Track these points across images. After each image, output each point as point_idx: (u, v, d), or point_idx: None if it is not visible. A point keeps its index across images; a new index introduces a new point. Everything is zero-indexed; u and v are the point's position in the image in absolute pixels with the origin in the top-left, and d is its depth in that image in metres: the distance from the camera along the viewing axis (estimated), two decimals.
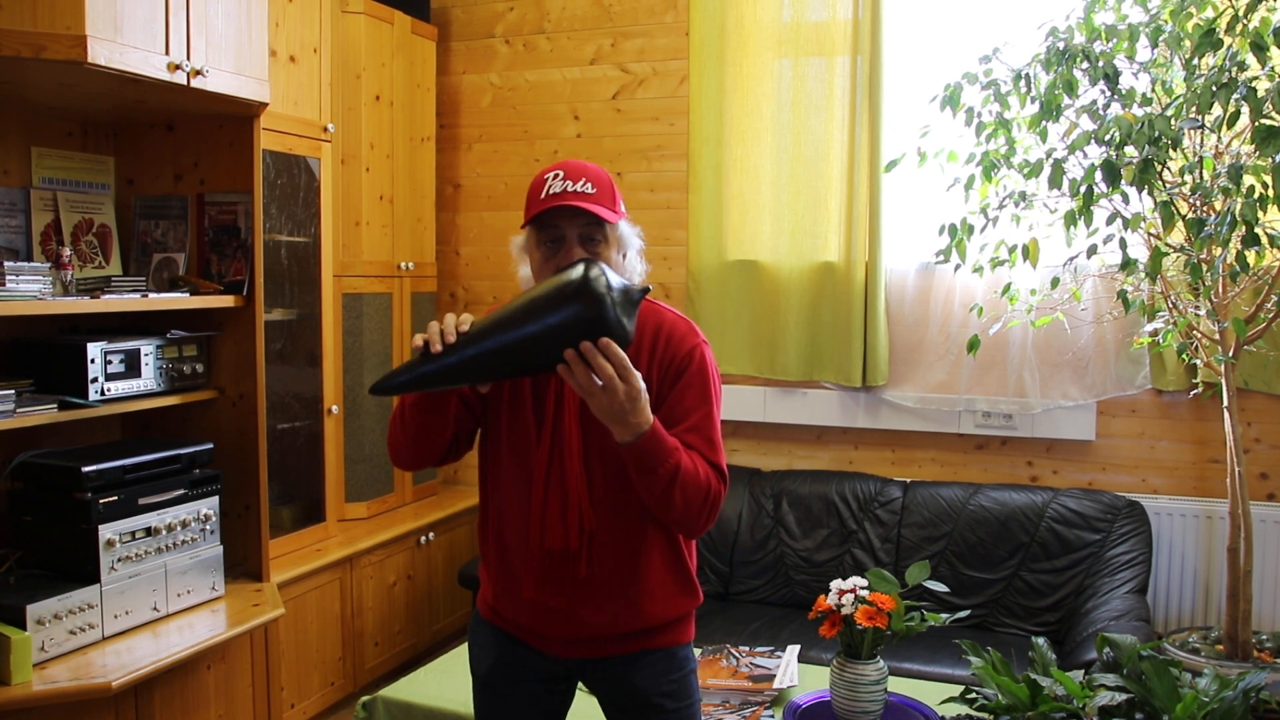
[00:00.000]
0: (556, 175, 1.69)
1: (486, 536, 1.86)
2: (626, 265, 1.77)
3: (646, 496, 1.67)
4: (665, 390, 1.73)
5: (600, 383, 1.53)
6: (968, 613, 2.96)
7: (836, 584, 2.48)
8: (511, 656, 1.86)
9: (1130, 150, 2.69)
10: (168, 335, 2.81)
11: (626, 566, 1.76)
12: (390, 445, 1.83)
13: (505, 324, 1.56)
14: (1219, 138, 2.82)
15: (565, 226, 1.69)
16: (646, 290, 1.63)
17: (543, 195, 1.69)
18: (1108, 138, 2.74)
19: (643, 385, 1.57)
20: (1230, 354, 2.91)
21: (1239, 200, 2.54)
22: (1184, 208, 2.84)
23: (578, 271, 1.56)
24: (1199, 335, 3.04)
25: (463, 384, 1.61)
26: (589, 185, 1.68)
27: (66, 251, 2.67)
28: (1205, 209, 2.78)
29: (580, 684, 1.91)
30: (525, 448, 1.77)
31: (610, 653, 1.81)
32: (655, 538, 1.78)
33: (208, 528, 2.79)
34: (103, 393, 2.61)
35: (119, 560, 2.55)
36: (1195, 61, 2.67)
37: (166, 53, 2.49)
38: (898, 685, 2.65)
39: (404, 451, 1.80)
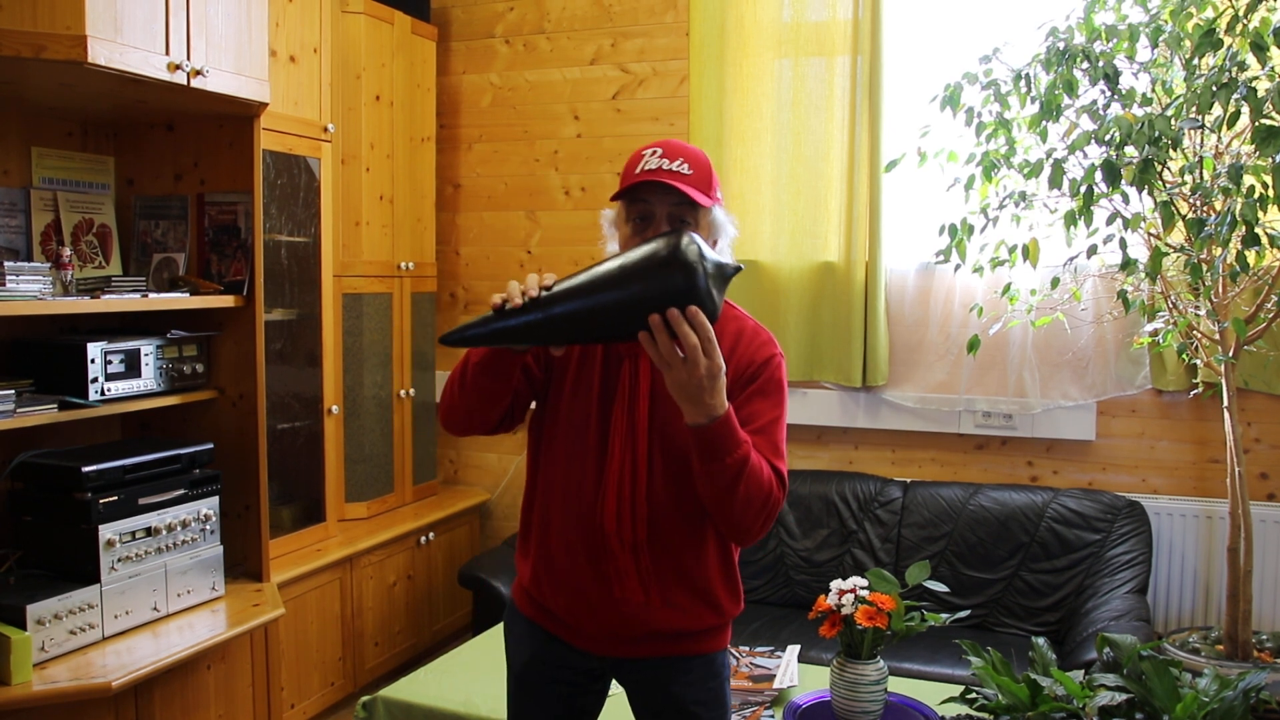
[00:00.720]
0: (655, 152, 1.66)
1: (532, 517, 1.81)
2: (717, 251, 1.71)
3: (707, 488, 1.60)
4: (737, 392, 1.68)
5: (682, 355, 1.48)
6: (968, 613, 2.96)
7: (836, 584, 2.48)
8: (546, 653, 1.83)
9: (1130, 150, 2.69)
10: (168, 335, 2.81)
11: (678, 563, 1.72)
12: (443, 407, 1.76)
13: (592, 285, 1.51)
14: (1219, 138, 2.82)
15: (655, 203, 1.65)
16: (739, 268, 1.58)
17: (638, 170, 1.65)
18: (1108, 138, 2.74)
19: (723, 364, 1.52)
20: (1230, 354, 2.91)
21: (1239, 200, 2.54)
22: (1184, 208, 2.84)
23: (672, 238, 1.52)
24: (1199, 335, 3.04)
25: (539, 343, 1.57)
26: (685, 165, 1.64)
27: (66, 251, 2.68)
28: (1205, 209, 2.78)
29: (613, 689, 1.88)
30: (584, 428, 1.72)
31: (647, 653, 1.78)
32: (709, 539, 1.74)
33: (208, 528, 2.79)
34: (103, 393, 2.61)
35: (119, 560, 2.55)
36: (1195, 61, 2.67)
37: (166, 53, 2.49)
38: (898, 685, 2.65)
39: (458, 415, 1.74)
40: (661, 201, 1.65)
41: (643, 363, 1.71)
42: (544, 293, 1.52)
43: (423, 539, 3.93)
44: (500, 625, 3.29)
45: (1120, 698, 1.99)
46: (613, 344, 1.72)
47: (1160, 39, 2.71)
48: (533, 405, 1.82)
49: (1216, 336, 2.99)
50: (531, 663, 1.85)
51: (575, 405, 1.74)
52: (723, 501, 1.60)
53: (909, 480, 3.77)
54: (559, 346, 1.59)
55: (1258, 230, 2.52)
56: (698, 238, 1.53)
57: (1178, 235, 2.98)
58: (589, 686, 1.85)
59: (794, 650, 2.97)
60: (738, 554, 1.82)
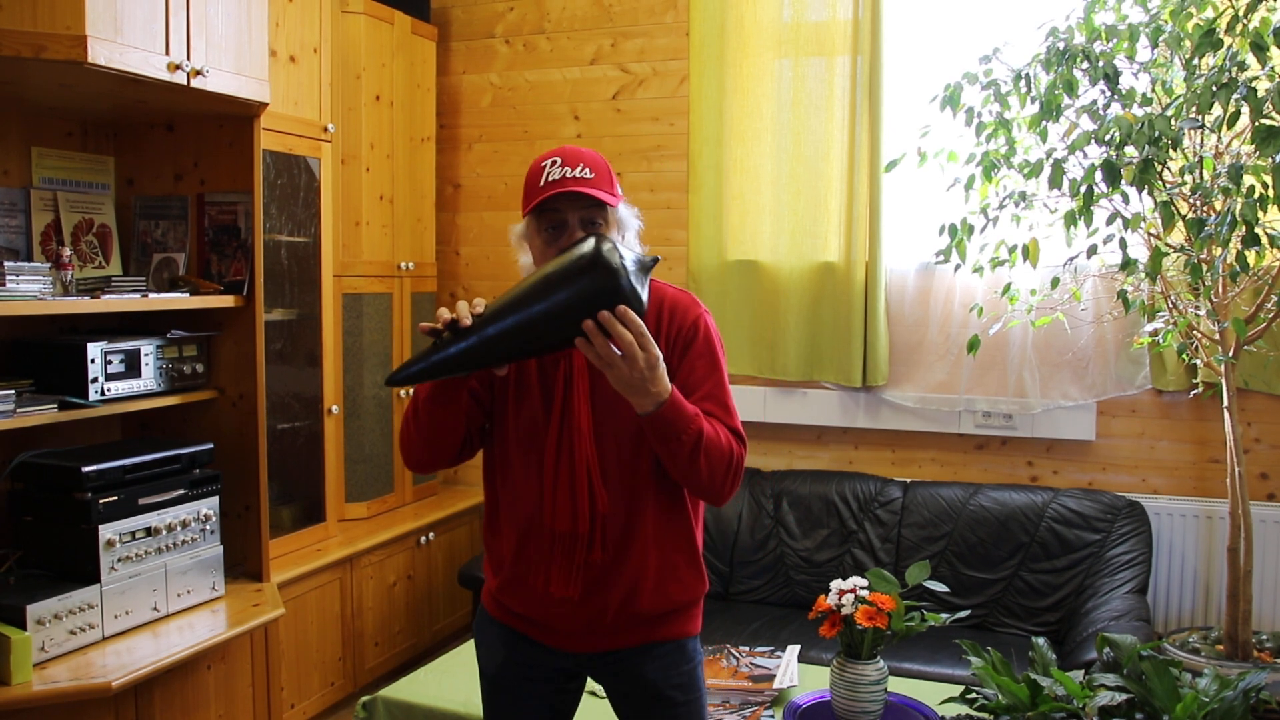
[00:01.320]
0: (554, 162, 1.71)
1: (495, 528, 1.84)
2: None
3: (671, 466, 1.68)
4: (675, 363, 1.74)
5: (620, 352, 1.54)
6: (968, 613, 2.96)
7: (836, 584, 2.48)
8: (520, 655, 1.85)
9: (1130, 150, 2.69)
10: (168, 335, 2.81)
11: (637, 548, 1.76)
12: (403, 445, 1.82)
13: (521, 302, 1.56)
14: (1219, 138, 2.82)
15: (566, 211, 1.70)
16: (656, 260, 1.64)
17: (541, 183, 1.70)
18: (1108, 138, 2.74)
19: (659, 353, 1.57)
20: (1230, 354, 2.91)
21: (1239, 200, 2.54)
22: (1184, 208, 2.83)
23: (589, 245, 1.57)
24: (1199, 335, 3.04)
25: (480, 367, 1.60)
26: (586, 170, 1.70)
27: (66, 251, 2.67)
28: (1205, 209, 2.78)
29: (590, 686, 1.90)
30: (534, 435, 1.76)
31: (620, 644, 1.81)
32: (665, 519, 1.78)
33: (208, 528, 2.79)
34: (103, 393, 2.61)
35: (119, 560, 2.55)
36: (1195, 61, 2.67)
37: (166, 53, 2.49)
38: (898, 685, 2.65)
39: (417, 450, 1.79)
40: (571, 209, 1.70)
41: (576, 361, 1.75)
42: (475, 318, 1.57)
43: (423, 539, 3.93)
44: None
45: (1120, 698, 2.00)
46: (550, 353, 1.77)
47: (1160, 39, 2.71)
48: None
49: (1216, 336, 2.99)
50: (505, 665, 1.87)
51: (521, 414, 1.78)
52: (689, 473, 1.67)
53: (909, 480, 3.77)
54: (500, 366, 1.63)
55: (1258, 230, 2.52)
56: (614, 238, 1.62)
57: (1178, 235, 2.98)
58: (564, 685, 1.88)
59: (794, 650, 2.97)
60: (699, 532, 1.85)
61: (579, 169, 1.70)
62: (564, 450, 1.72)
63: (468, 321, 1.56)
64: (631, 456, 1.73)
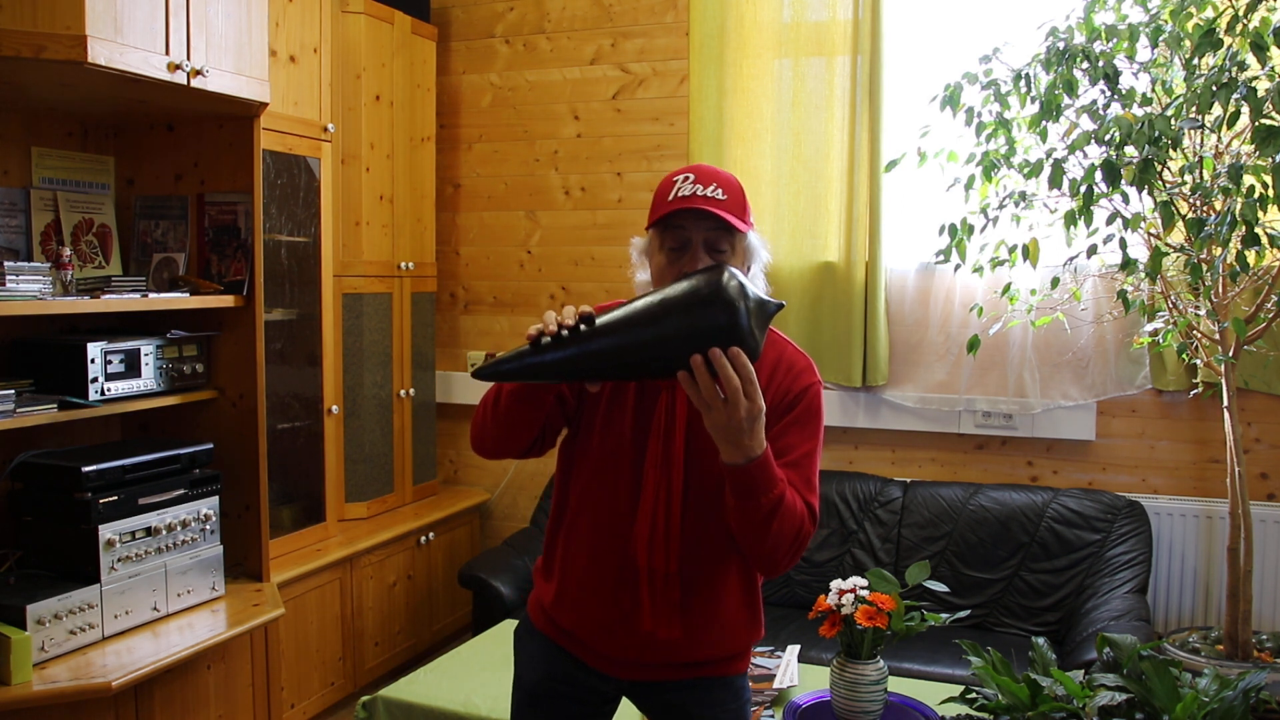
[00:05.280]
0: (687, 178, 1.62)
1: (556, 541, 1.80)
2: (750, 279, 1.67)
3: (739, 523, 1.59)
4: (773, 422, 1.64)
5: (723, 396, 1.44)
6: (968, 613, 2.96)
7: (836, 584, 2.48)
8: (560, 672, 1.81)
9: (1130, 150, 2.69)
10: (168, 335, 2.81)
11: (706, 593, 1.71)
12: (474, 431, 1.74)
13: (631, 322, 1.47)
14: (1219, 138, 2.82)
15: (691, 230, 1.61)
16: (781, 305, 1.54)
17: (670, 197, 1.62)
18: (1108, 138, 2.74)
19: (764, 405, 1.48)
20: (1230, 354, 2.91)
21: (1239, 200, 2.54)
22: (1184, 208, 2.83)
23: (713, 274, 1.47)
24: (1199, 335, 3.04)
25: (574, 380, 1.52)
26: (719, 191, 1.61)
27: (66, 251, 2.67)
28: (1205, 209, 2.78)
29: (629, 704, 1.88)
30: (618, 456, 1.71)
31: (667, 677, 1.77)
32: (735, 568, 1.74)
33: (208, 528, 2.79)
34: (103, 393, 2.61)
35: (119, 560, 2.55)
36: (1195, 61, 2.67)
37: (166, 53, 2.49)
38: (898, 685, 2.65)
39: (489, 440, 1.72)
40: (697, 228, 1.61)
41: (680, 394, 1.68)
42: (582, 327, 1.48)
43: (423, 539, 3.93)
44: (499, 625, 3.31)
45: (1120, 698, 1.99)
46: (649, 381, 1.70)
47: (1160, 39, 2.71)
48: (564, 431, 1.81)
49: (1216, 336, 2.99)
50: (544, 681, 1.82)
51: (609, 433, 1.72)
52: (755, 537, 1.59)
53: (909, 480, 3.77)
54: (594, 383, 1.56)
55: (1258, 230, 2.52)
56: (739, 273, 1.50)
57: (1178, 235, 2.98)
58: (599, 709, 1.84)
59: (794, 650, 2.97)
60: (761, 583, 1.81)
61: (711, 188, 1.60)
62: (661, 486, 1.67)
63: (571, 323, 1.47)
64: (712, 500, 1.66)
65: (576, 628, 1.78)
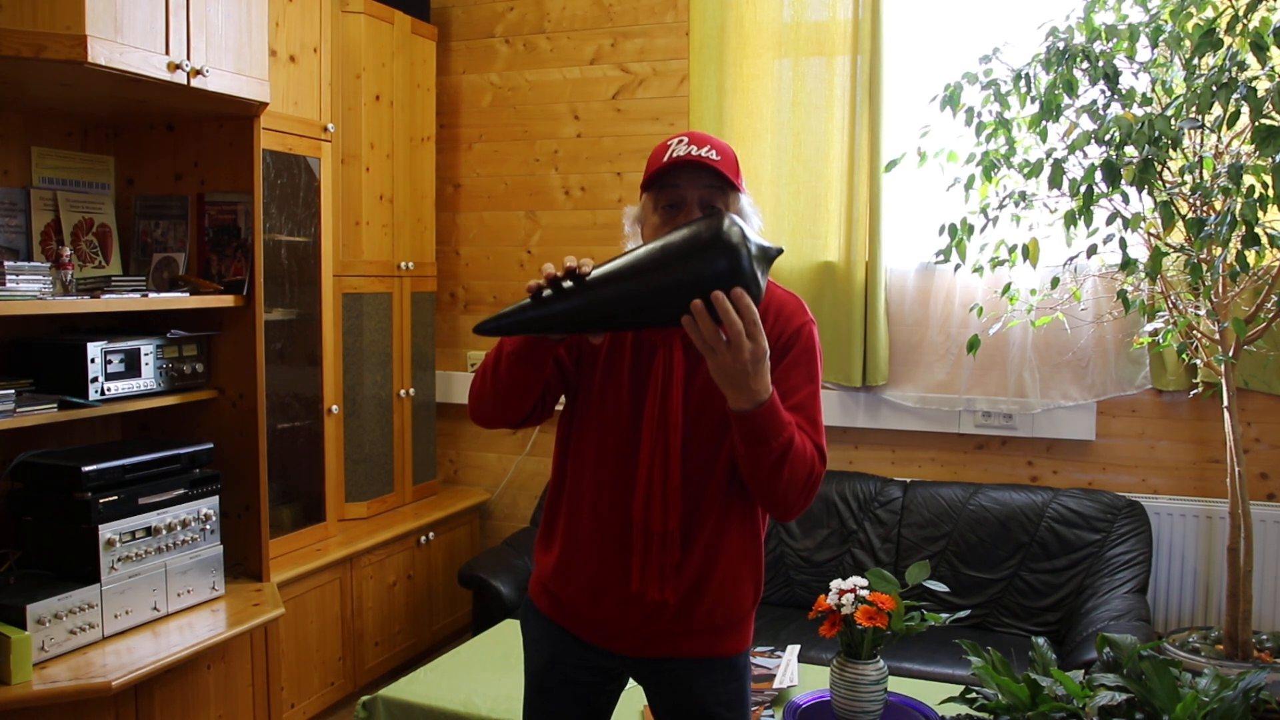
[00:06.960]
0: (681, 140, 1.64)
1: (559, 509, 1.78)
2: None
3: (750, 471, 1.58)
4: (772, 366, 1.61)
5: (726, 339, 1.44)
6: (968, 613, 2.96)
7: (836, 584, 2.48)
8: (565, 653, 1.81)
9: (1130, 150, 2.69)
10: (168, 335, 2.81)
11: (705, 552, 1.71)
12: (473, 399, 1.73)
13: (634, 269, 1.46)
14: (1219, 138, 2.82)
15: (687, 187, 1.62)
16: (780, 250, 1.55)
17: (666, 157, 1.63)
18: (1108, 138, 2.74)
19: (767, 347, 1.48)
20: (1230, 354, 2.91)
21: (1239, 200, 2.54)
22: (1184, 208, 2.83)
23: (713, 220, 1.47)
24: (1199, 335, 3.04)
25: (577, 330, 1.51)
26: (713, 152, 1.63)
27: (66, 251, 2.67)
28: (1205, 209, 2.78)
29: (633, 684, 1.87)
30: (616, 418, 1.70)
31: (670, 653, 1.77)
32: (735, 527, 1.73)
33: (208, 527, 2.79)
34: (103, 392, 2.61)
35: (119, 560, 2.55)
36: (1195, 61, 2.67)
37: (166, 53, 2.49)
38: (898, 685, 2.66)
39: (487, 406, 1.71)
40: (693, 185, 1.62)
41: (676, 352, 1.68)
42: (580, 280, 1.47)
43: (423, 539, 3.93)
44: (499, 625, 3.31)
45: (1120, 698, 1.99)
46: (646, 332, 1.69)
47: (1160, 39, 2.71)
48: (561, 399, 1.80)
49: (1216, 336, 2.99)
50: (550, 665, 1.83)
51: (606, 396, 1.72)
52: (767, 482, 1.58)
53: (909, 480, 3.77)
54: (597, 334, 1.55)
55: (1258, 230, 2.52)
56: (738, 219, 1.50)
57: (1178, 235, 2.98)
58: (605, 686, 1.84)
59: (794, 650, 2.97)
60: (763, 545, 1.81)
61: (705, 149, 1.63)
62: (659, 445, 1.67)
63: (577, 269, 1.46)
64: (711, 458, 1.67)
65: (576, 597, 1.77)
